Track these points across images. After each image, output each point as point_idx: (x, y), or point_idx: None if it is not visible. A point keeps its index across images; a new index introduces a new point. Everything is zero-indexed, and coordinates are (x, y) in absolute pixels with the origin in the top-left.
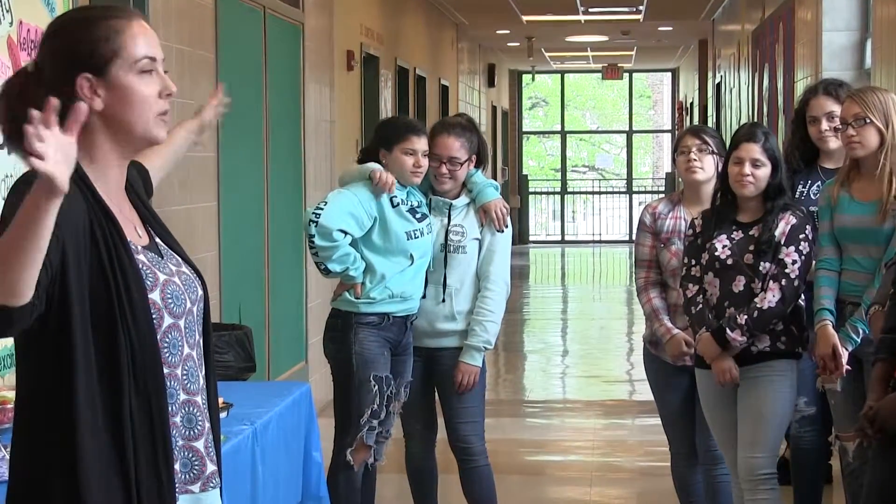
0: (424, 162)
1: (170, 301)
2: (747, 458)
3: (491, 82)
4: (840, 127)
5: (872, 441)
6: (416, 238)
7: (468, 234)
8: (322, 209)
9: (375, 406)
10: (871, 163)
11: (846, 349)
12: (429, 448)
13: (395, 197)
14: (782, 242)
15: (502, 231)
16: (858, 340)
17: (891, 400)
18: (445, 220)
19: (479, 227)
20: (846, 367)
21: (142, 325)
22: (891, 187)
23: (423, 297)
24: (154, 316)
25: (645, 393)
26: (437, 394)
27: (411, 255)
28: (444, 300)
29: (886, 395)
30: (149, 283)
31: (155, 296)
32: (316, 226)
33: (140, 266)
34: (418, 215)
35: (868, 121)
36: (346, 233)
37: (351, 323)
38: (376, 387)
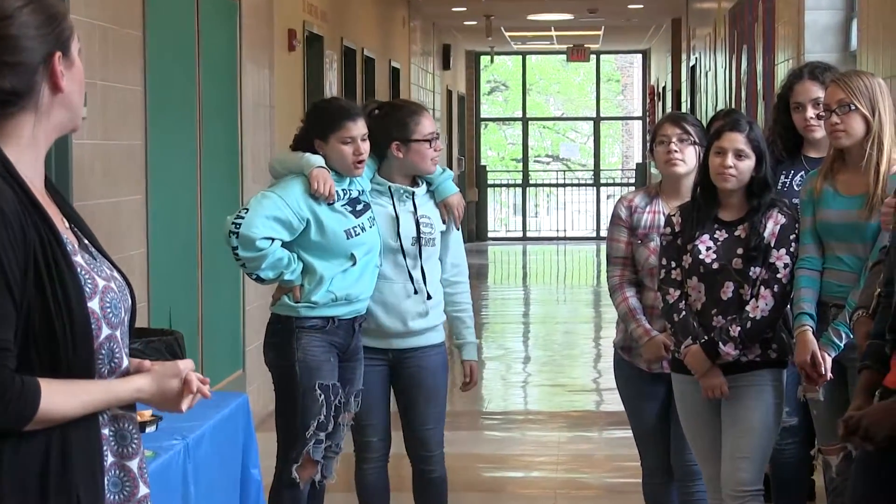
0: (365, 147)
1: (108, 310)
2: (733, 472)
3: (446, 64)
4: (824, 114)
5: (858, 447)
6: (356, 235)
7: (435, 226)
8: (242, 217)
9: (322, 417)
10: (856, 153)
11: (829, 355)
12: (383, 463)
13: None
14: (772, 244)
15: (458, 228)
16: (842, 346)
17: (876, 409)
18: (411, 210)
19: (443, 220)
20: (829, 374)
21: (79, 338)
22: (878, 180)
23: (416, 292)
24: (93, 327)
25: (613, 403)
26: (397, 401)
27: (353, 255)
28: (416, 293)
29: (870, 404)
30: (88, 289)
31: (94, 304)
32: (237, 237)
33: (78, 269)
34: (360, 206)
35: (853, 107)
36: (273, 239)
37: (292, 328)
38: (322, 396)
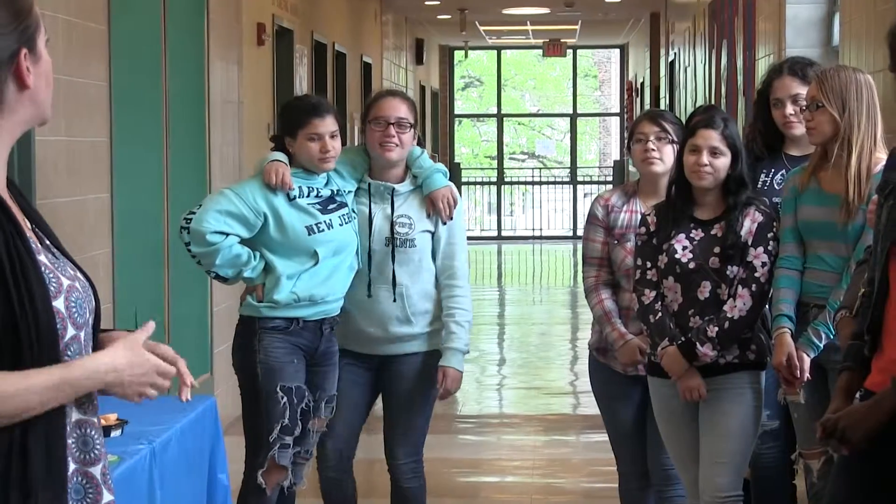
0: (335, 144)
1: (73, 310)
2: (711, 478)
3: (419, 59)
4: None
5: (835, 449)
6: (319, 232)
7: (416, 225)
8: (194, 213)
9: (286, 420)
10: (832, 151)
11: (807, 355)
12: (339, 472)
13: (291, 190)
14: (749, 243)
15: (445, 224)
16: (821, 346)
17: (853, 411)
18: (388, 209)
19: (429, 217)
20: (807, 375)
21: (44, 338)
22: (848, 180)
23: (370, 296)
24: (58, 327)
25: (590, 406)
26: (383, 406)
27: (315, 253)
28: (395, 300)
29: (848, 406)
30: (53, 288)
31: (59, 303)
32: (188, 232)
33: (42, 268)
34: (333, 205)
35: (820, 105)
36: (226, 234)
37: (255, 329)
38: (285, 398)
